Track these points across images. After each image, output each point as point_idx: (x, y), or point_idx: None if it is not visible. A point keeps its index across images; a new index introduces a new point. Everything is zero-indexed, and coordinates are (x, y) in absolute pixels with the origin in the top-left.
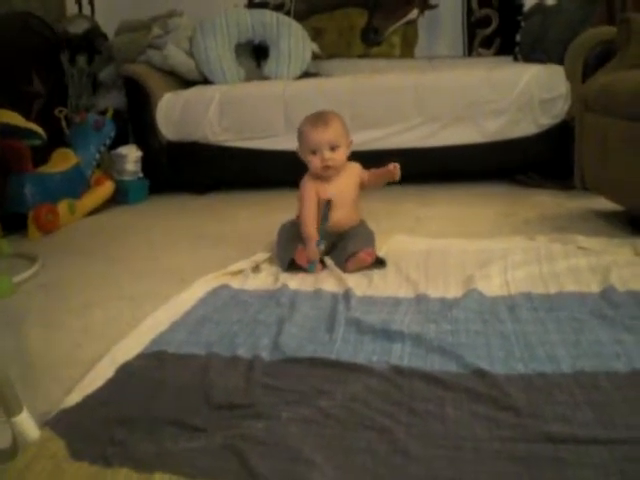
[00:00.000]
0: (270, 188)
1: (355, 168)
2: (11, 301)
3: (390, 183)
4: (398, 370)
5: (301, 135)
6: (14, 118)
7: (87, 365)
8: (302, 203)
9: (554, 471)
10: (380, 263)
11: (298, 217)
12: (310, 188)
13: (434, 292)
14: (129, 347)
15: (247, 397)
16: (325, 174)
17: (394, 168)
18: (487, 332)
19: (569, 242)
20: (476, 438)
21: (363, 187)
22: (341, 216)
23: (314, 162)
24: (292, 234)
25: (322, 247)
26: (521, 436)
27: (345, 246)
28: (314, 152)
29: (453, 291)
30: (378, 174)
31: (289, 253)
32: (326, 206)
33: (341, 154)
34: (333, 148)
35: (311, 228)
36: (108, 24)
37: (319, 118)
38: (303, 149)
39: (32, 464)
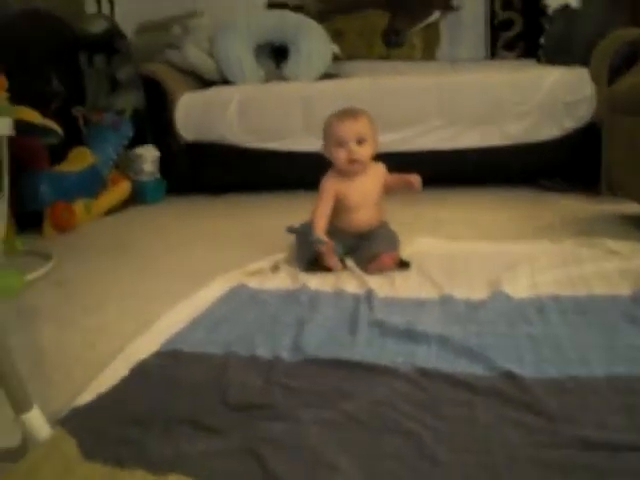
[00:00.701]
0: (289, 190)
1: (380, 169)
2: (25, 299)
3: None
4: (424, 372)
5: (327, 128)
6: (31, 115)
7: (100, 364)
8: (318, 197)
9: (591, 479)
10: (404, 265)
11: None
12: (330, 186)
13: (458, 294)
14: (144, 346)
15: (266, 398)
16: (351, 169)
17: (415, 181)
18: (515, 334)
19: (596, 245)
20: (508, 443)
21: (385, 190)
22: (364, 217)
23: (340, 156)
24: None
25: (340, 251)
26: (555, 442)
27: (368, 247)
28: (340, 145)
29: (478, 293)
30: (398, 181)
31: (309, 253)
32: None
33: (368, 149)
34: (360, 142)
35: (320, 222)
36: (127, 24)
37: (347, 112)
38: (328, 143)
39: (42, 463)
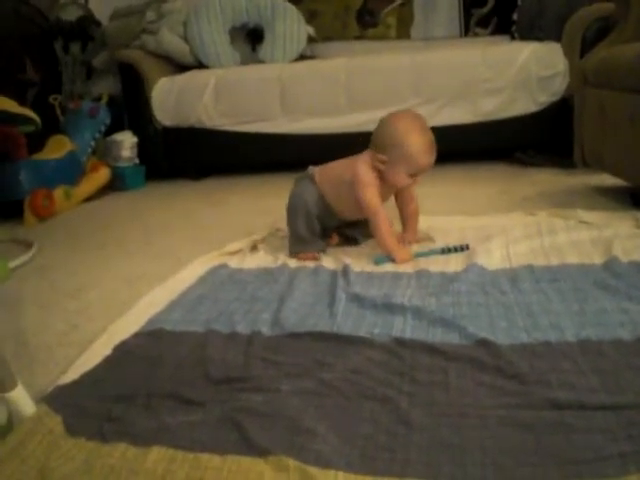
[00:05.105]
0: (267, 172)
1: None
2: (7, 285)
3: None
4: (400, 342)
5: (408, 152)
6: (7, 104)
7: (83, 345)
8: (363, 190)
9: (561, 437)
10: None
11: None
12: (372, 179)
13: (434, 267)
14: (126, 326)
15: (246, 371)
16: (400, 188)
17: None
18: (489, 303)
19: (570, 216)
20: (480, 406)
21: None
22: (359, 216)
23: (404, 181)
24: (317, 219)
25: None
26: (526, 403)
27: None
28: (412, 175)
29: (453, 266)
30: (405, 218)
31: (308, 245)
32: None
33: None
34: None
35: (390, 240)
36: (102, 11)
37: (432, 144)
38: (401, 164)
39: (27, 439)
